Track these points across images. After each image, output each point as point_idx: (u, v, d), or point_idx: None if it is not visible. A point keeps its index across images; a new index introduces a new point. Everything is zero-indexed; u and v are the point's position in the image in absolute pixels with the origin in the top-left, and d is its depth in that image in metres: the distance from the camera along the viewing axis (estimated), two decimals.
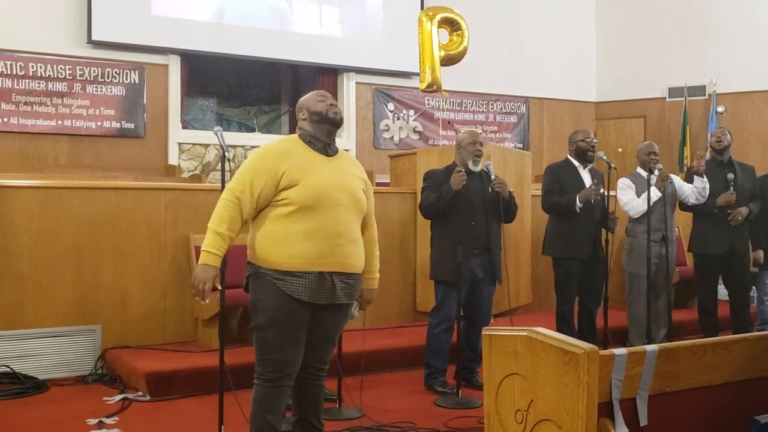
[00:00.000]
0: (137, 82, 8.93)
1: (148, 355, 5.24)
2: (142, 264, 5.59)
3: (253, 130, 10.84)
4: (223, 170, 4.06)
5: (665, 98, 11.74)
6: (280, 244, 3.32)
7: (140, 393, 4.86)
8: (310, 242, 3.30)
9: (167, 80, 9.18)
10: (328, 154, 3.47)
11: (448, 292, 4.98)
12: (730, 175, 6.04)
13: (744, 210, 6.09)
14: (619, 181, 6.19)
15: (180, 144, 9.28)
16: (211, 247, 3.30)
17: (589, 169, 5.79)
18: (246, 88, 11.19)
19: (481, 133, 8.93)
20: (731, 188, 6.01)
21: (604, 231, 5.75)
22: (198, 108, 10.83)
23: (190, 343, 5.59)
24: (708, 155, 6.19)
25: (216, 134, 4.05)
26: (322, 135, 3.48)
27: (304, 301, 3.32)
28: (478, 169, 4.98)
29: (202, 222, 5.72)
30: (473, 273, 4.96)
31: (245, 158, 9.50)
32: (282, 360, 3.36)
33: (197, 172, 9.21)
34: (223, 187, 4.01)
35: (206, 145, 9.41)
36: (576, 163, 5.78)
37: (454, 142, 5.28)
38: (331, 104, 3.53)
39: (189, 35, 9.15)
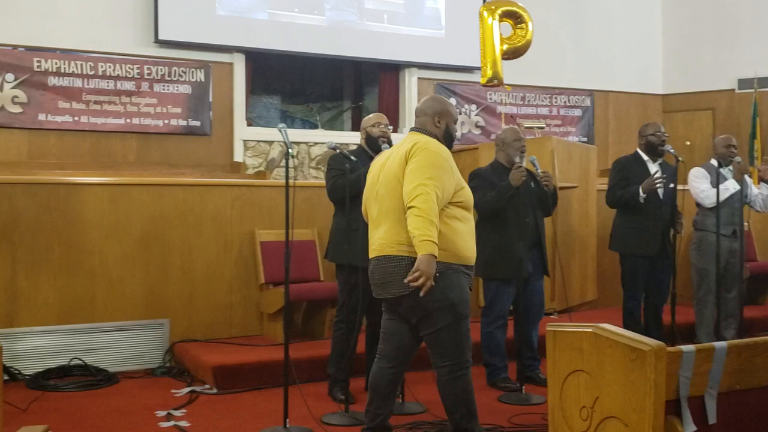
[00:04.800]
0: (203, 80, 9.08)
1: (214, 349, 5.34)
2: (208, 259, 5.69)
3: (316, 127, 10.94)
4: (287, 167, 4.10)
5: (734, 90, 11.41)
6: (466, 241, 3.52)
7: (207, 386, 4.96)
8: (474, 240, 3.60)
9: (232, 78, 9.32)
10: None
11: (502, 289, 4.95)
12: None
13: None
14: (693, 170, 6.05)
15: (245, 141, 9.42)
16: (434, 237, 3.28)
17: (660, 164, 5.66)
18: (309, 85, 11.29)
19: (542, 128, 8.84)
20: None
21: (668, 225, 5.63)
22: (262, 105, 10.97)
23: (255, 337, 5.68)
24: None
25: (280, 131, 4.11)
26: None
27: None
28: (524, 164, 4.97)
29: (266, 217, 5.84)
30: (525, 268, 4.92)
31: (308, 155, 9.70)
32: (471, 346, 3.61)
33: (262, 168, 9.33)
34: (287, 183, 4.07)
35: (270, 142, 9.52)
36: (645, 157, 5.66)
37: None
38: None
39: (253, 34, 9.27)
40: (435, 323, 3.47)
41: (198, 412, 4.48)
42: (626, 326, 5.36)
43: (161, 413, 4.41)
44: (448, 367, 3.53)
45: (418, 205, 3.28)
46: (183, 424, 4.24)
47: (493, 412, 4.42)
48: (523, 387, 4.79)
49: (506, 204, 4.85)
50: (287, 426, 4.03)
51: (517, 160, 4.89)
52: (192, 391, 4.85)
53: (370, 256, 3.60)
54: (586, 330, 2.61)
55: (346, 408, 4.32)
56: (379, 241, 3.53)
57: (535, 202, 5.01)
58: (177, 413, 4.42)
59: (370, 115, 4.87)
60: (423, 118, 3.67)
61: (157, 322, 5.50)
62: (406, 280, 3.32)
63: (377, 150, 4.58)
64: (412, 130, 3.70)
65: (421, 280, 3.26)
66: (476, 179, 5.03)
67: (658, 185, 5.40)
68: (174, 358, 5.48)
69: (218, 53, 9.19)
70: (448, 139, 3.68)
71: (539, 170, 5.05)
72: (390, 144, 4.66)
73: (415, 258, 3.30)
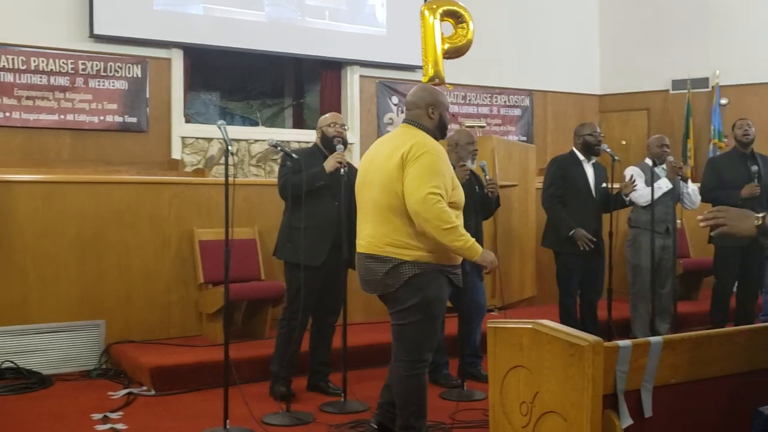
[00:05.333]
0: (140, 76, 8.91)
1: (152, 350, 5.25)
2: (146, 258, 5.59)
3: (256, 124, 10.84)
4: (227, 164, 4.04)
5: (669, 91, 11.71)
6: None
7: (145, 387, 4.87)
8: None
9: (170, 74, 9.17)
10: None
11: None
12: (754, 168, 5.97)
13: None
14: (628, 169, 6.18)
15: (183, 138, 9.28)
16: (468, 240, 3.48)
17: (593, 163, 5.77)
18: (249, 81, 11.19)
19: (483, 127, 8.93)
20: (755, 180, 5.95)
21: (606, 223, 5.74)
22: (201, 102, 10.82)
23: (194, 338, 5.60)
24: (711, 148, 6.16)
25: (219, 128, 4.06)
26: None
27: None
28: (474, 166, 5.02)
29: (205, 216, 5.76)
30: (463, 269, 4.95)
31: (248, 152, 9.60)
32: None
33: (200, 166, 9.21)
34: (227, 181, 4.02)
35: (209, 139, 9.41)
36: (581, 156, 5.75)
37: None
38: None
39: (191, 29, 9.14)
40: (405, 317, 3.54)
41: (135, 414, 4.40)
42: (563, 322, 5.43)
43: (97, 416, 4.31)
44: (405, 363, 3.57)
45: (438, 222, 3.37)
46: (120, 427, 4.15)
47: (435, 409, 4.43)
48: (465, 383, 4.83)
49: None
50: (227, 427, 3.98)
51: (468, 163, 4.95)
52: (129, 393, 4.76)
53: (357, 249, 3.66)
54: (526, 326, 2.64)
55: (287, 407, 4.29)
56: (367, 238, 3.58)
57: (477, 207, 5.04)
58: (113, 416, 4.33)
59: (326, 115, 4.87)
60: (416, 111, 3.63)
61: (92, 323, 5.38)
62: (485, 273, 3.73)
63: (332, 149, 4.57)
64: (405, 122, 3.67)
65: (493, 268, 3.67)
66: None
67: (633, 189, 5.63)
68: (110, 360, 5.36)
69: (155, 48, 9.03)
70: (442, 128, 3.68)
71: (487, 176, 5.13)
72: (345, 144, 4.67)
73: (400, 260, 3.47)
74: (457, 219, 3.50)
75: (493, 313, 6.41)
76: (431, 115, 3.62)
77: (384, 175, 3.51)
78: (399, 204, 3.46)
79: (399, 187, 3.44)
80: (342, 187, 4.47)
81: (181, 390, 4.82)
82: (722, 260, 6.20)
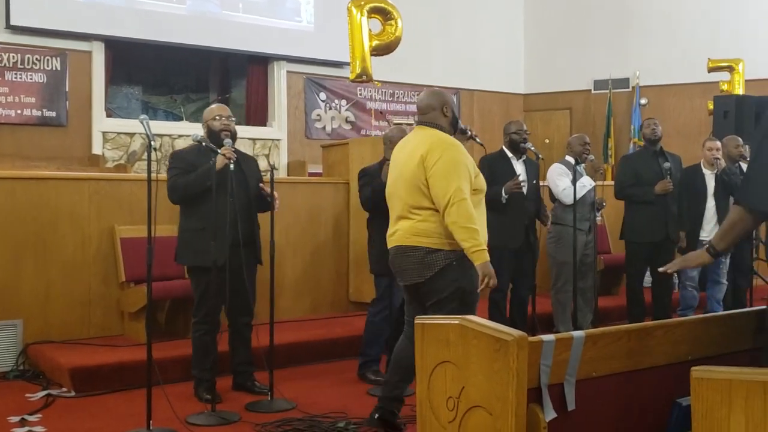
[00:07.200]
0: (59, 69, 8.67)
1: (72, 350, 5.11)
2: (65, 256, 5.43)
3: (180, 119, 10.64)
4: (149, 160, 3.95)
5: (591, 90, 11.99)
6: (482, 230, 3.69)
7: (64, 389, 4.74)
8: (485, 225, 3.83)
9: (91, 67, 8.95)
10: None
11: (390, 283, 4.98)
12: (666, 165, 6.15)
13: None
14: (554, 166, 6.29)
15: (104, 133, 9.06)
16: (481, 244, 3.62)
17: (524, 160, 5.85)
18: (172, 75, 10.98)
19: (411, 125, 8.97)
20: (668, 177, 6.13)
21: (532, 220, 5.83)
22: (123, 96, 10.58)
23: (116, 338, 5.47)
24: (632, 147, 6.33)
25: (142, 123, 3.95)
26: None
27: None
28: None
29: (127, 213, 5.63)
30: None
31: (172, 147, 9.43)
32: None
33: (122, 161, 9.01)
34: (149, 177, 3.93)
35: (132, 134, 9.21)
36: (510, 154, 5.83)
37: (383, 134, 5.29)
38: None
39: (113, 21, 8.92)
40: (443, 307, 3.67)
41: (55, 416, 4.27)
42: (492, 318, 5.52)
43: (14, 419, 4.17)
44: None
45: (457, 219, 3.57)
46: (38, 429, 4.03)
47: (363, 406, 4.44)
48: None
49: (381, 198, 4.87)
50: (151, 428, 3.90)
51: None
52: (48, 395, 4.62)
53: (389, 245, 3.86)
54: (452, 322, 2.66)
55: (212, 407, 4.23)
56: (399, 233, 3.78)
57: None
58: (32, 419, 4.20)
59: (212, 107, 4.69)
60: (432, 113, 3.85)
61: (9, 323, 5.20)
62: (478, 290, 3.69)
63: (219, 144, 4.42)
64: (419, 125, 3.88)
65: (488, 282, 3.62)
66: (364, 177, 5.06)
67: (518, 189, 5.57)
68: (28, 361, 5.19)
69: (76, 41, 8.79)
70: (455, 123, 3.93)
71: None
72: (234, 138, 4.53)
73: (429, 248, 3.66)
74: (478, 208, 3.73)
75: None
76: (446, 114, 3.86)
77: (407, 175, 3.73)
78: (423, 199, 3.68)
79: (422, 183, 3.67)
80: (234, 182, 4.32)
81: (103, 391, 4.70)
82: (632, 256, 6.37)
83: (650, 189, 6.12)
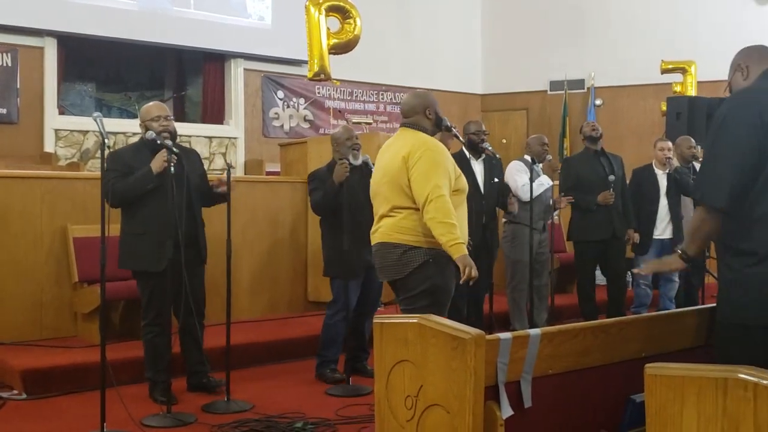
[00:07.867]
0: (10, 65, 8.50)
1: (23, 352, 5.00)
2: (16, 256, 5.32)
3: (134, 117, 10.48)
4: (103, 158, 3.89)
5: (547, 91, 12.12)
6: (459, 227, 3.70)
7: (16, 392, 4.63)
8: (465, 224, 3.88)
9: (42, 63, 8.80)
10: None
11: (345, 284, 4.96)
12: (611, 177, 6.22)
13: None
14: (513, 163, 6.34)
15: (57, 131, 8.90)
16: (458, 238, 3.64)
17: (483, 160, 5.88)
18: (127, 72, 10.83)
19: (370, 124, 8.97)
20: (611, 189, 6.20)
21: (490, 219, 5.86)
22: (76, 93, 10.40)
23: (69, 339, 5.37)
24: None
25: (95, 120, 3.87)
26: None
27: None
28: (359, 162, 5.01)
29: (80, 212, 5.53)
30: (366, 262, 4.96)
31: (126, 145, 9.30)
32: None
33: (75, 160, 8.86)
34: (102, 175, 3.86)
35: (85, 132, 9.07)
36: (468, 154, 5.86)
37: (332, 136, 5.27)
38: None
39: (66, 16, 8.77)
40: (413, 302, 3.73)
41: (6, 420, 4.18)
42: (450, 316, 5.53)
43: None
44: None
45: (435, 215, 3.62)
46: None
47: (321, 406, 4.44)
48: (350, 378, 4.84)
49: (333, 202, 4.86)
50: (105, 431, 3.84)
51: (350, 158, 4.94)
52: None
53: (372, 242, 3.90)
54: (411, 321, 2.66)
55: (168, 408, 4.17)
56: (381, 230, 3.84)
57: (370, 200, 5.02)
58: None
59: (149, 106, 4.56)
60: (415, 116, 3.91)
61: None
62: (461, 282, 3.70)
63: (158, 147, 4.32)
64: (403, 126, 3.93)
65: (469, 273, 3.62)
66: (314, 181, 5.04)
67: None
68: None
69: (27, 36, 8.63)
70: (439, 123, 3.98)
71: (374, 169, 5.09)
72: (174, 138, 4.45)
73: (409, 246, 3.72)
74: (459, 208, 3.77)
75: (378, 308, 6.45)
76: (429, 116, 3.91)
77: (390, 175, 3.80)
78: (406, 199, 3.74)
79: (404, 183, 3.73)
80: (174, 184, 4.25)
81: (56, 393, 4.61)
82: (581, 255, 6.45)
83: (592, 199, 6.19)
